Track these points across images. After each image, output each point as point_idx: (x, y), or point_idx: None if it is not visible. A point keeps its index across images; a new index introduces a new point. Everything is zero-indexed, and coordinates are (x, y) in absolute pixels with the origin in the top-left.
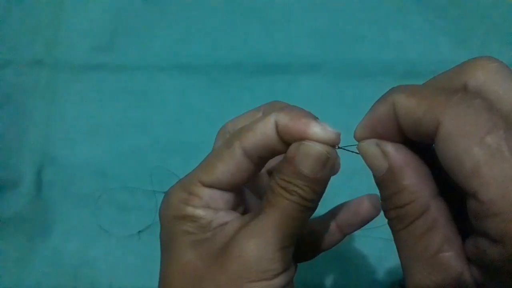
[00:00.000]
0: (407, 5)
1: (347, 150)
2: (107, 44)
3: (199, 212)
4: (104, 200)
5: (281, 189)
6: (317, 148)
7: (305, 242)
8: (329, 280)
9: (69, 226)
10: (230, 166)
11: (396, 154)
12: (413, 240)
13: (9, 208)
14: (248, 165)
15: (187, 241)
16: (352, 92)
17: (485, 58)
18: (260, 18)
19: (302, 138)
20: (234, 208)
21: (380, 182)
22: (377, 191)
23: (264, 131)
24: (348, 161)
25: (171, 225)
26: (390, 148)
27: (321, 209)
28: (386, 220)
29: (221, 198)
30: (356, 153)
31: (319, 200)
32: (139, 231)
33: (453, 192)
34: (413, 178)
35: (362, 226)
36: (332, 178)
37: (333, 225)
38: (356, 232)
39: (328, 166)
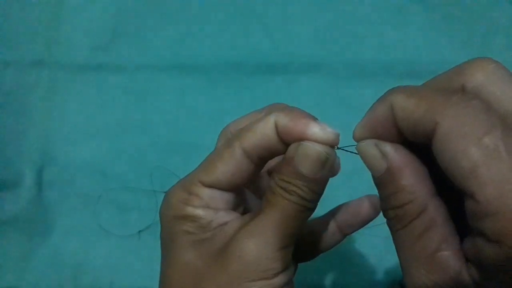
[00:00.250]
0: (407, 5)
1: (346, 150)
2: (107, 44)
3: (199, 212)
4: (104, 200)
5: (281, 189)
6: (316, 149)
7: (305, 242)
8: (329, 280)
9: (69, 226)
10: (230, 166)
11: (395, 154)
12: (411, 239)
13: (9, 208)
14: (248, 166)
15: (187, 241)
16: (352, 92)
17: (484, 59)
18: (260, 18)
19: (301, 138)
20: (234, 208)
21: (378, 182)
22: (376, 191)
23: (264, 131)
24: (347, 161)
25: (171, 225)
26: (389, 148)
27: (321, 209)
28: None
29: (221, 198)
30: (355, 153)
31: (318, 200)
32: (139, 231)
33: (451, 192)
34: (411, 178)
35: (362, 226)
36: (332, 178)
37: (333, 226)
38: (356, 232)
39: (327, 167)
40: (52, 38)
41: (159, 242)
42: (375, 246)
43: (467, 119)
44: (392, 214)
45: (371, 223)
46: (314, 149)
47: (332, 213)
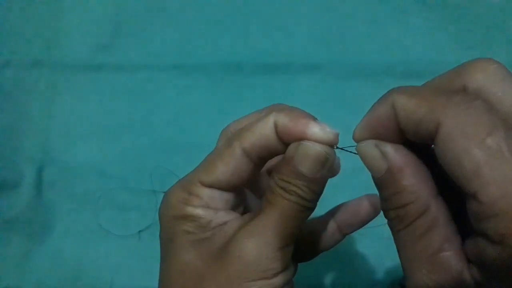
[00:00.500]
0: (407, 5)
1: (346, 150)
2: (107, 44)
3: (199, 211)
4: (104, 200)
5: (280, 189)
6: (316, 148)
7: (305, 242)
8: (328, 280)
9: (69, 226)
10: (229, 166)
11: (396, 154)
12: (413, 240)
13: (9, 208)
14: (247, 165)
15: (187, 241)
16: (352, 92)
17: (485, 59)
18: (260, 18)
19: (301, 138)
20: (233, 208)
21: (379, 182)
22: (376, 191)
23: (264, 131)
24: (348, 161)
25: (171, 225)
26: (390, 148)
27: (321, 209)
28: (386, 220)
29: (220, 198)
30: (355, 153)
31: (318, 200)
32: (139, 231)
33: (452, 192)
34: (412, 179)
35: (362, 226)
36: (332, 178)
37: (332, 226)
38: (356, 232)
39: (327, 166)
40: (52, 38)
41: (159, 242)
42: (375, 246)
43: (469, 119)
44: (393, 215)
45: (371, 223)
46: (313, 149)
47: (332, 213)
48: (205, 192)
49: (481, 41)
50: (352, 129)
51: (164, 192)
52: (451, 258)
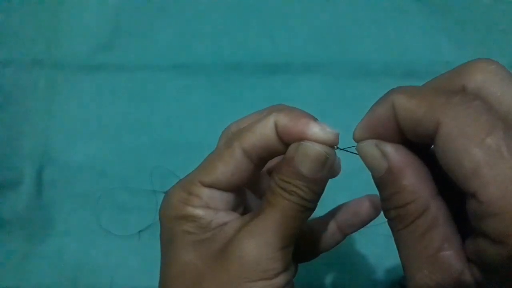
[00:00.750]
0: (407, 5)
1: (346, 150)
2: (107, 44)
3: (199, 212)
4: (104, 200)
5: (281, 189)
6: (316, 149)
7: (306, 242)
8: (329, 280)
9: (69, 226)
10: (230, 166)
11: (396, 154)
12: (413, 239)
13: (9, 208)
14: (248, 166)
15: (187, 241)
16: (352, 92)
17: (484, 60)
18: (260, 18)
19: (301, 138)
20: (234, 208)
21: (379, 182)
22: (377, 191)
23: (264, 131)
24: (348, 161)
25: (171, 225)
26: (390, 148)
27: (321, 209)
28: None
29: (221, 198)
30: (355, 153)
31: (318, 200)
32: (139, 231)
33: (452, 192)
34: (412, 178)
35: (363, 226)
36: (332, 179)
37: (333, 226)
38: (356, 232)
39: (327, 167)
40: (52, 38)
41: (159, 242)
42: (375, 246)
43: (469, 119)
44: (393, 214)
45: (371, 222)
46: (314, 149)
47: (332, 213)
48: (205, 192)
49: (480, 41)
50: (352, 129)
51: (164, 192)
52: (452, 257)
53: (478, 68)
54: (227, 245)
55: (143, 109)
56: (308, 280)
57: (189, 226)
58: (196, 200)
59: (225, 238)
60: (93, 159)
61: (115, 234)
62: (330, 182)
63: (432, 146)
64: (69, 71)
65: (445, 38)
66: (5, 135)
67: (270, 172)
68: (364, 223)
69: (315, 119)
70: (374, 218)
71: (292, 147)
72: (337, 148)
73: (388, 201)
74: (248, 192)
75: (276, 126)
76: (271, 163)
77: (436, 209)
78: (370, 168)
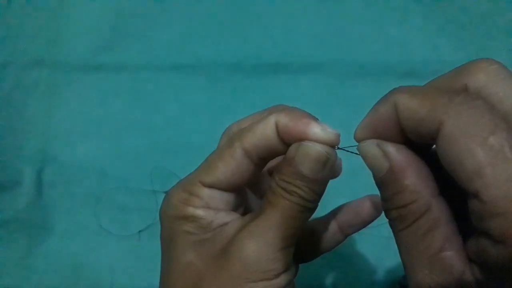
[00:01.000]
0: (407, 5)
1: (347, 150)
2: (107, 44)
3: (199, 212)
4: (104, 200)
5: (281, 189)
6: (317, 149)
7: (307, 243)
8: (329, 280)
9: (69, 226)
10: (230, 166)
11: (397, 154)
12: (414, 239)
13: (9, 208)
14: (248, 166)
15: (187, 242)
16: (352, 92)
17: (486, 60)
18: (260, 18)
19: (302, 138)
20: (234, 209)
21: (380, 182)
22: (378, 192)
23: (264, 131)
24: (349, 161)
25: (171, 226)
26: (391, 148)
27: (322, 210)
28: (387, 219)
29: (221, 198)
30: (356, 153)
31: (319, 201)
32: (139, 231)
33: (453, 192)
34: (414, 178)
35: (364, 227)
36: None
37: (334, 226)
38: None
39: (328, 167)
40: (52, 38)
41: (159, 242)
42: (375, 246)
43: (471, 119)
44: (395, 214)
45: (372, 223)
46: (314, 149)
47: (333, 214)
48: (206, 193)
49: (480, 41)
50: (353, 129)
51: (164, 192)
52: (453, 257)
53: (480, 68)
54: (228, 246)
55: (143, 109)
56: (309, 280)
57: (189, 226)
58: (196, 200)
59: (225, 239)
60: (93, 159)
61: (115, 234)
62: (331, 182)
63: (434, 146)
64: (69, 71)
65: (445, 38)
66: (5, 135)
67: (271, 172)
68: (365, 223)
69: (315, 119)
70: (375, 218)
71: (292, 147)
72: (338, 148)
73: (390, 201)
74: (249, 192)
75: (277, 126)
76: (272, 163)
77: (438, 209)
78: (371, 168)
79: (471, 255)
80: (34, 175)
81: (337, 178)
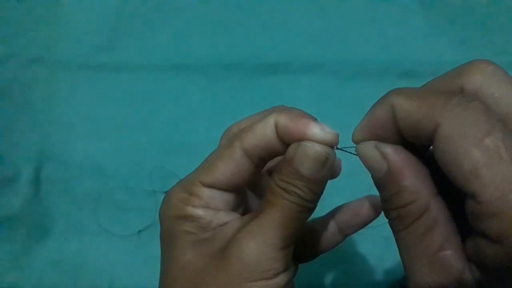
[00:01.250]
0: (407, 5)
1: (345, 151)
2: (107, 43)
3: (199, 212)
4: (104, 199)
5: (280, 189)
6: (316, 149)
7: (306, 243)
8: (329, 280)
9: (69, 225)
10: (230, 166)
11: (395, 155)
12: (414, 239)
13: (8, 207)
14: (248, 166)
15: (187, 241)
16: (352, 92)
17: (482, 61)
18: (260, 18)
19: (301, 138)
20: (234, 208)
21: (379, 183)
22: (377, 192)
23: (264, 131)
24: (348, 161)
25: (171, 225)
26: (389, 149)
27: (321, 210)
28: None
29: (221, 198)
30: (355, 154)
31: (318, 201)
32: (139, 231)
33: (451, 192)
34: (412, 179)
35: (363, 227)
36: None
37: (333, 226)
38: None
39: (327, 167)
40: (52, 37)
41: (159, 242)
42: (375, 246)
43: (467, 120)
44: (394, 215)
45: (371, 223)
46: (313, 149)
47: (333, 214)
48: (205, 192)
49: (480, 41)
50: (352, 129)
51: (164, 192)
52: (452, 257)
53: (476, 69)
54: (227, 245)
55: (143, 109)
56: (308, 280)
57: (189, 226)
58: (196, 200)
59: (225, 238)
60: (92, 159)
61: (115, 234)
62: (330, 182)
63: (431, 147)
64: (68, 69)
65: (445, 38)
66: (3, 133)
67: (270, 172)
68: (364, 224)
69: (315, 119)
70: (374, 219)
71: (292, 147)
72: (337, 148)
73: (389, 201)
74: (248, 192)
75: (276, 126)
76: (271, 163)
77: (436, 209)
78: (370, 169)
79: (469, 254)
80: (33, 174)
81: (337, 178)
